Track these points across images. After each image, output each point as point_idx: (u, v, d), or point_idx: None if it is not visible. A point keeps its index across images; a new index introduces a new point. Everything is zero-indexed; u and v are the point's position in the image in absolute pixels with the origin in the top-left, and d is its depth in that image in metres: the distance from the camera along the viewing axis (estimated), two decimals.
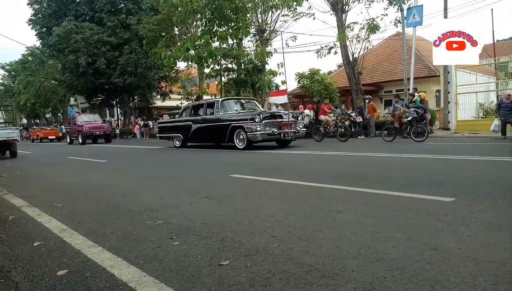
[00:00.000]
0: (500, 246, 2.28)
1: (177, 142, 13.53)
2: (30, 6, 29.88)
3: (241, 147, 10.57)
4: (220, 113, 11.52)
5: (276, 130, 10.40)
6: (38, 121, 47.11)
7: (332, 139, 13.25)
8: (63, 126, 37.56)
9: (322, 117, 13.89)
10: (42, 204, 4.32)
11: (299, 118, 12.02)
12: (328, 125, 13.22)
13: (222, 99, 11.62)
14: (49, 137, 29.37)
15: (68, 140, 22.30)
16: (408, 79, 15.10)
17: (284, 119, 10.79)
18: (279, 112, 12.35)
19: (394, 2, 15.75)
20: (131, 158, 11.18)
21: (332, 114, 13.76)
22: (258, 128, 10.11)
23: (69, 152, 14.81)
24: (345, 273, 1.98)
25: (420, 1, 15.20)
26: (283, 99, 19.01)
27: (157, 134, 15.13)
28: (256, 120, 10.13)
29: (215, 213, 3.48)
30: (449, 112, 14.46)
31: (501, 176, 4.78)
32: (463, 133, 13.25)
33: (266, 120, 10.33)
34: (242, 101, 12.75)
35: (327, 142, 12.57)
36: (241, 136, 10.61)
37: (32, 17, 30.19)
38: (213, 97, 23.85)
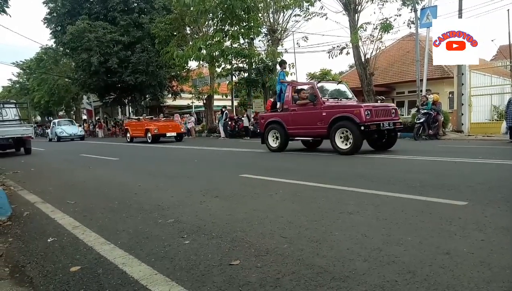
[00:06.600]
0: None
1: None
2: (45, 5, 30.33)
3: None
4: None
5: None
6: (51, 118, 47.82)
7: None
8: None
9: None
10: (55, 201, 4.40)
11: None
12: None
13: None
14: (167, 134, 17.72)
15: (272, 144, 9.96)
16: (421, 80, 14.93)
17: None
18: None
19: (408, 3, 15.58)
20: (144, 156, 11.28)
21: None
22: None
23: None
24: (356, 276, 1.98)
25: (435, 2, 15.02)
26: None
27: None
28: None
29: (226, 212, 3.49)
30: (462, 114, 14.24)
31: None
32: (477, 136, 13.02)
33: None
34: None
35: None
36: None
37: (47, 16, 30.64)
38: (224, 97, 23.97)
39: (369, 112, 7.99)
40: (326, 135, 8.68)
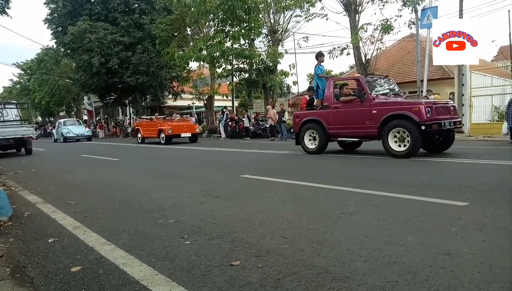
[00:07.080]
0: None
1: None
2: (46, 5, 30.40)
3: None
4: None
5: None
6: (52, 119, 47.87)
7: None
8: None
9: None
10: (56, 201, 4.40)
11: None
12: None
13: None
14: (182, 134, 16.39)
15: (309, 145, 9.01)
16: (422, 81, 14.92)
17: None
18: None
19: (409, 3, 15.58)
20: (144, 157, 11.28)
21: None
22: None
23: None
24: (357, 276, 1.97)
25: (435, 3, 15.02)
26: None
27: None
28: None
29: (226, 213, 3.49)
30: (463, 115, 14.22)
31: None
32: (477, 136, 13.01)
33: None
34: None
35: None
36: None
37: (48, 17, 30.70)
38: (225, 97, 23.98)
39: (429, 109, 7.02)
40: (376, 135, 7.65)
